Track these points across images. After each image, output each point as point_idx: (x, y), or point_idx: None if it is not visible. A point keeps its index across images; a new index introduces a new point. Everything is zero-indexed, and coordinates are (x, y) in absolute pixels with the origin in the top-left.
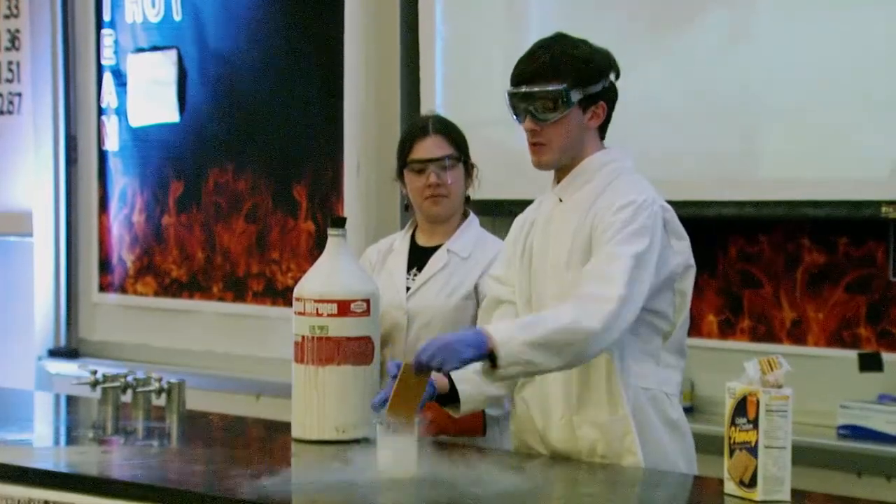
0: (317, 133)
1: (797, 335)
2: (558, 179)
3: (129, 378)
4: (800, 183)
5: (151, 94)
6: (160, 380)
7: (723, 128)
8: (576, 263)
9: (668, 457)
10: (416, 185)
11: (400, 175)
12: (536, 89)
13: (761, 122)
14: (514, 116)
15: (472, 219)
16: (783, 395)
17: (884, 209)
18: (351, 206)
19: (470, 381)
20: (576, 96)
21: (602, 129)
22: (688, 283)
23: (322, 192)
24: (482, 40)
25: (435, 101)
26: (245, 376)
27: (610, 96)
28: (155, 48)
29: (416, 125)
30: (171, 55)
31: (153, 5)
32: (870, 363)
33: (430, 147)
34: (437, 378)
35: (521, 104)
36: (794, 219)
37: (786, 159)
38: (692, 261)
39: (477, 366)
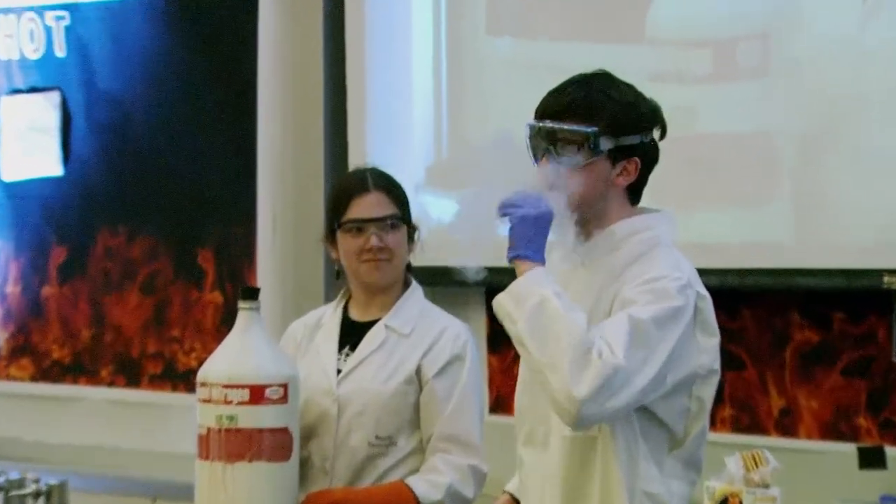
0: (225, 189)
1: (787, 426)
2: (581, 237)
3: (1, 479)
4: (789, 248)
5: (30, 144)
6: (37, 481)
7: (702, 187)
8: None
9: None
10: (352, 248)
11: (330, 236)
12: (562, 126)
13: (745, 180)
14: (532, 155)
15: (415, 288)
16: (770, 497)
17: (886, 279)
18: (265, 274)
19: None
20: (606, 144)
21: (634, 191)
22: (708, 391)
23: (231, 258)
24: (420, 82)
25: (365, 151)
26: (139, 475)
27: (648, 154)
28: (34, 89)
29: (353, 179)
30: (53, 97)
31: (31, 40)
32: (871, 459)
33: (371, 205)
34: None
35: (541, 141)
36: (782, 290)
37: (772, 222)
38: (717, 365)
39: None
